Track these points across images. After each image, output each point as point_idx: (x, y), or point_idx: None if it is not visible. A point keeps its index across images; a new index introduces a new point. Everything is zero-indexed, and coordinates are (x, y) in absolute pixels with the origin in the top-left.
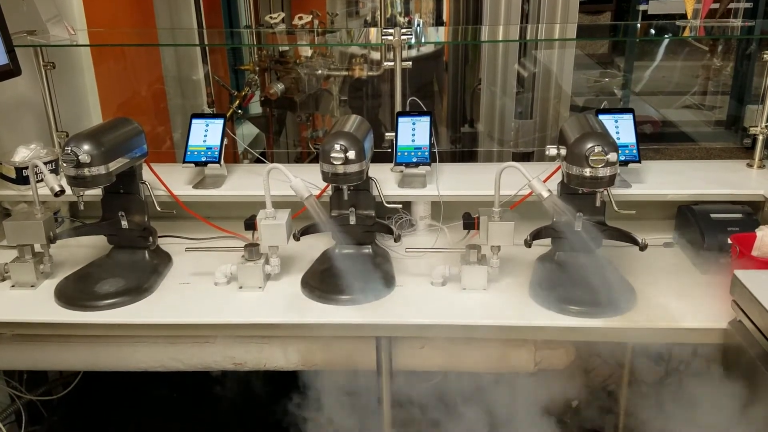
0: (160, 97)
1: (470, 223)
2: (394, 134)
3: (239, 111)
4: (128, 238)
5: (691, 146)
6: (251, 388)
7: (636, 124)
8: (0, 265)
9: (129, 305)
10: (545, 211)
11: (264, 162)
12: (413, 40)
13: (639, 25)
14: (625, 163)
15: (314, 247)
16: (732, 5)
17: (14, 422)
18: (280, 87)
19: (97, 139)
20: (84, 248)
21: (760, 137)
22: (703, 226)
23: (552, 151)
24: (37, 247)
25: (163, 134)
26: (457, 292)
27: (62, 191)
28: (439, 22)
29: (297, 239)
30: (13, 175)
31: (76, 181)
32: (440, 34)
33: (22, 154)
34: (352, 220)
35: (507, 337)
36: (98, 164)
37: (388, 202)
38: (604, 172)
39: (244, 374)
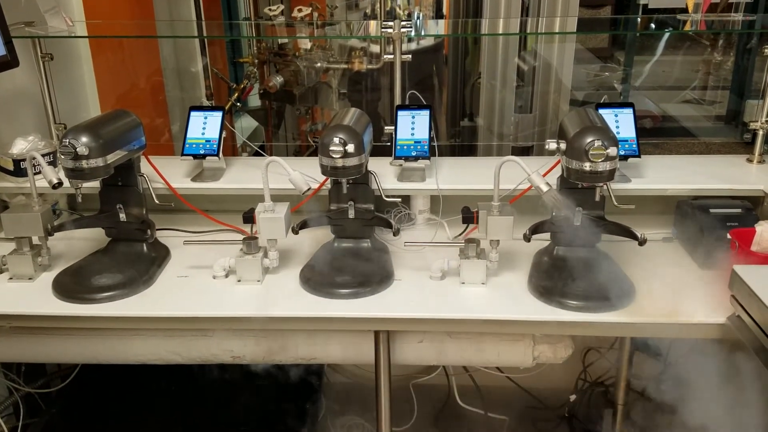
0: (158, 89)
1: (469, 217)
2: (393, 128)
3: (238, 104)
4: (126, 231)
5: (691, 141)
6: (248, 380)
7: (636, 118)
8: None
9: (127, 298)
10: (545, 206)
11: (263, 155)
12: (413, 33)
13: (639, 19)
14: (624, 158)
15: (313, 240)
16: None
17: (12, 415)
18: (279, 80)
19: (95, 131)
20: (82, 241)
21: (760, 132)
22: (703, 221)
23: (552, 145)
24: (35, 240)
25: (162, 127)
26: (456, 287)
27: (60, 183)
28: (439, 15)
29: (296, 233)
30: (11, 168)
31: (74, 174)
32: (440, 27)
33: (19, 146)
34: (351, 214)
35: (505, 332)
36: (96, 156)
37: (387, 196)
38: (603, 166)
39: (243, 367)
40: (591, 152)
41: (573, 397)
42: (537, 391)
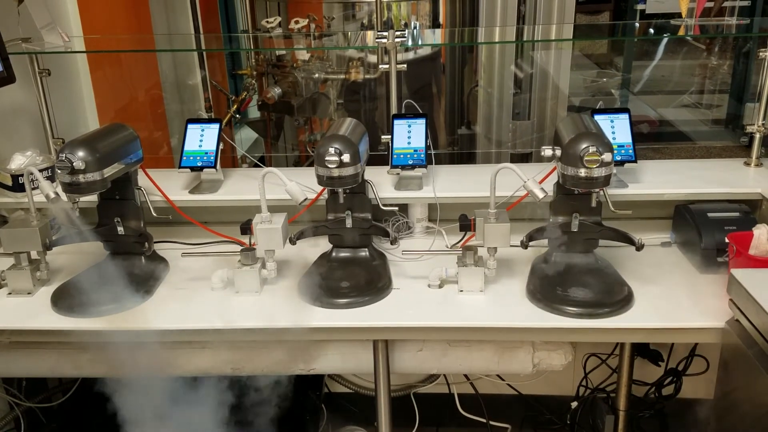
0: (157, 102)
1: (466, 225)
2: (390, 137)
3: (237, 115)
4: (124, 244)
5: (690, 145)
6: (247, 392)
7: (632, 123)
8: None
9: (126, 311)
10: (542, 212)
11: (262, 167)
12: (410, 43)
13: (637, 24)
14: (621, 163)
15: (311, 250)
16: (727, 3)
17: (13, 430)
18: (277, 91)
19: (91, 145)
20: (80, 255)
21: (757, 135)
22: (701, 225)
23: (547, 151)
24: (34, 254)
25: (161, 140)
26: (455, 294)
27: (57, 198)
28: (435, 24)
29: (293, 243)
30: (10, 183)
31: (71, 188)
32: (437, 36)
33: (18, 162)
34: (349, 224)
35: (505, 339)
36: (93, 170)
37: (385, 205)
38: (599, 172)
39: (241, 379)
40: (586, 158)
41: (574, 404)
42: (538, 398)
